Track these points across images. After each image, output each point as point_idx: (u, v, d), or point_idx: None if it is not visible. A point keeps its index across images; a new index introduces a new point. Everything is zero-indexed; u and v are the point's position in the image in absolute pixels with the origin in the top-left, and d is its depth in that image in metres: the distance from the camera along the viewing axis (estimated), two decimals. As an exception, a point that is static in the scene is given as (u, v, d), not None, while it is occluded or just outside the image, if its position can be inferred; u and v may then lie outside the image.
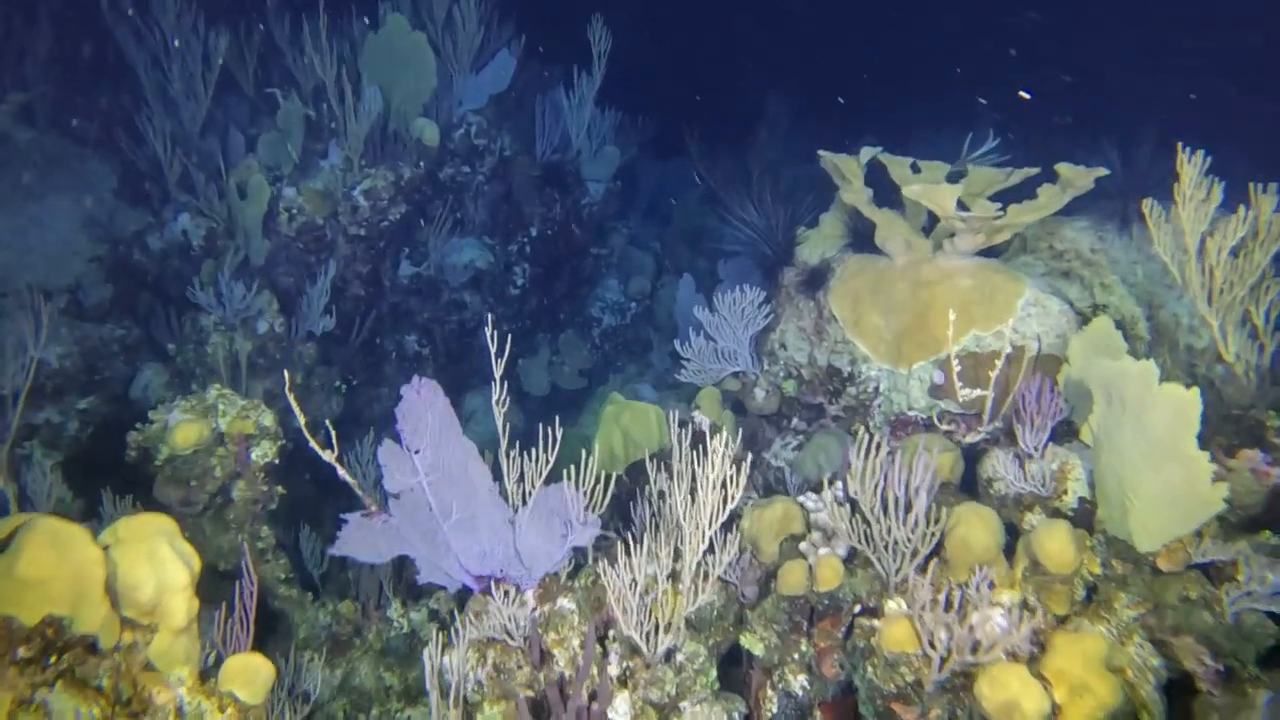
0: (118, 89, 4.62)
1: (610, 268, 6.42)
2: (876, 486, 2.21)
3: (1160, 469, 1.99)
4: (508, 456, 2.35)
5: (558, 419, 2.39)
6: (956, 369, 2.75)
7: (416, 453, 2.23)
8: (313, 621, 3.15)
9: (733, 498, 2.34)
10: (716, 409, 3.12)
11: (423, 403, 2.20)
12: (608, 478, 2.47)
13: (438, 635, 2.23)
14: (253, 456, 2.82)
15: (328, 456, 2.24)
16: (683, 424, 3.06)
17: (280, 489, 3.01)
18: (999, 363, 2.67)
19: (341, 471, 2.28)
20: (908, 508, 2.25)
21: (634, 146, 5.87)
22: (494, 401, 2.35)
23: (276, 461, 2.91)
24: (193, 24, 4.14)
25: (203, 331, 4.10)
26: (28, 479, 2.51)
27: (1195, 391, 1.93)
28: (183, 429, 2.63)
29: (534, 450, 2.35)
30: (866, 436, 2.28)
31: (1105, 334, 2.36)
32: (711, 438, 2.97)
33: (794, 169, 7.15)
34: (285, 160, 4.46)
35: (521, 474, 2.36)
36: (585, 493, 2.43)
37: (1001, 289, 2.85)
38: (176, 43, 4.09)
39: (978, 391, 2.77)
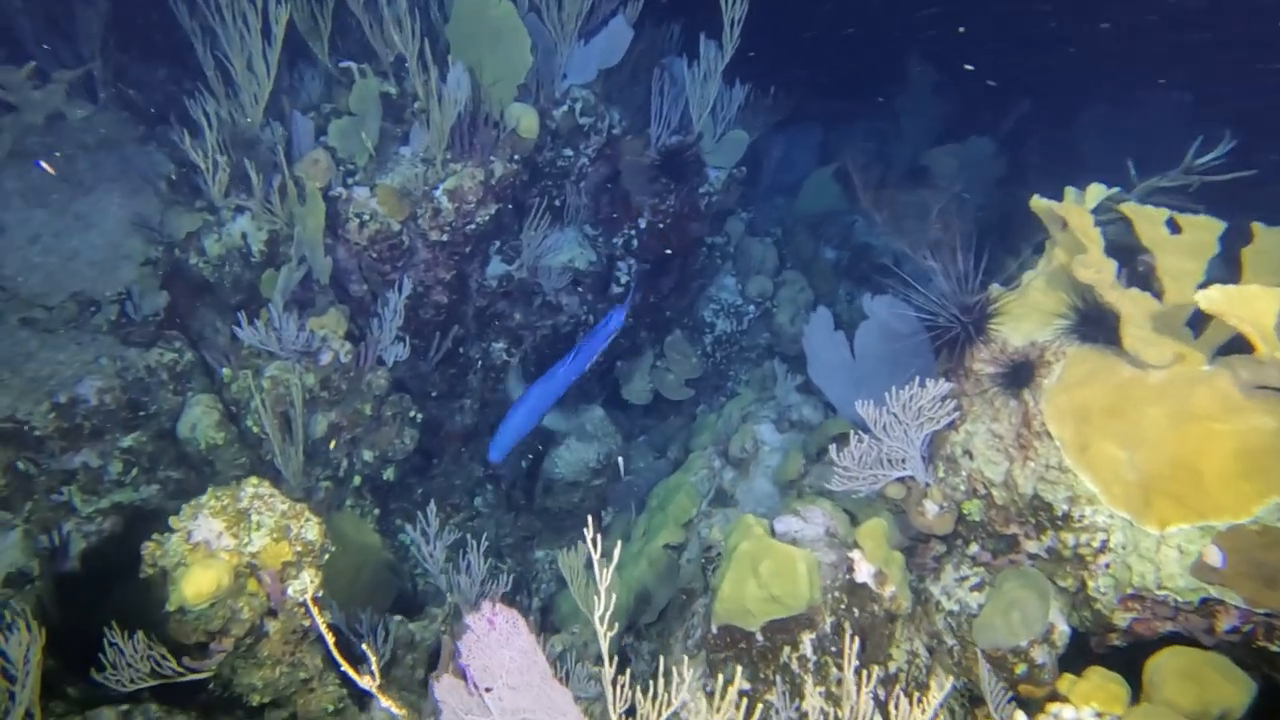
0: (176, 62, 4.03)
1: (726, 259, 5.61)
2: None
3: None
4: (614, 685, 1.69)
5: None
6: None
7: (488, 690, 1.59)
8: (368, 751, 2.62)
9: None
10: (883, 549, 2.37)
11: (498, 638, 1.54)
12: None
13: None
14: (290, 592, 2.24)
15: (365, 683, 1.62)
16: (837, 561, 2.36)
17: (326, 616, 2.43)
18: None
19: (386, 702, 1.66)
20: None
21: (762, 128, 4.99)
22: (596, 619, 1.68)
23: (321, 593, 2.33)
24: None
25: (260, 356, 3.55)
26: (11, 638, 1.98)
27: None
28: (194, 578, 2.05)
29: (652, 683, 1.67)
30: None
31: None
32: (878, 589, 2.25)
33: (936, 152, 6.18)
34: (359, 150, 3.80)
35: (632, 708, 1.70)
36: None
37: (1323, 441, 1.98)
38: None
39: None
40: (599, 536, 1.65)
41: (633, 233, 4.84)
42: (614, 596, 1.83)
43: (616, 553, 1.68)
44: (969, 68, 6.59)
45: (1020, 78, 7.29)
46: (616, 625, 2.01)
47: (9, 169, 3.65)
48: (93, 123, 3.90)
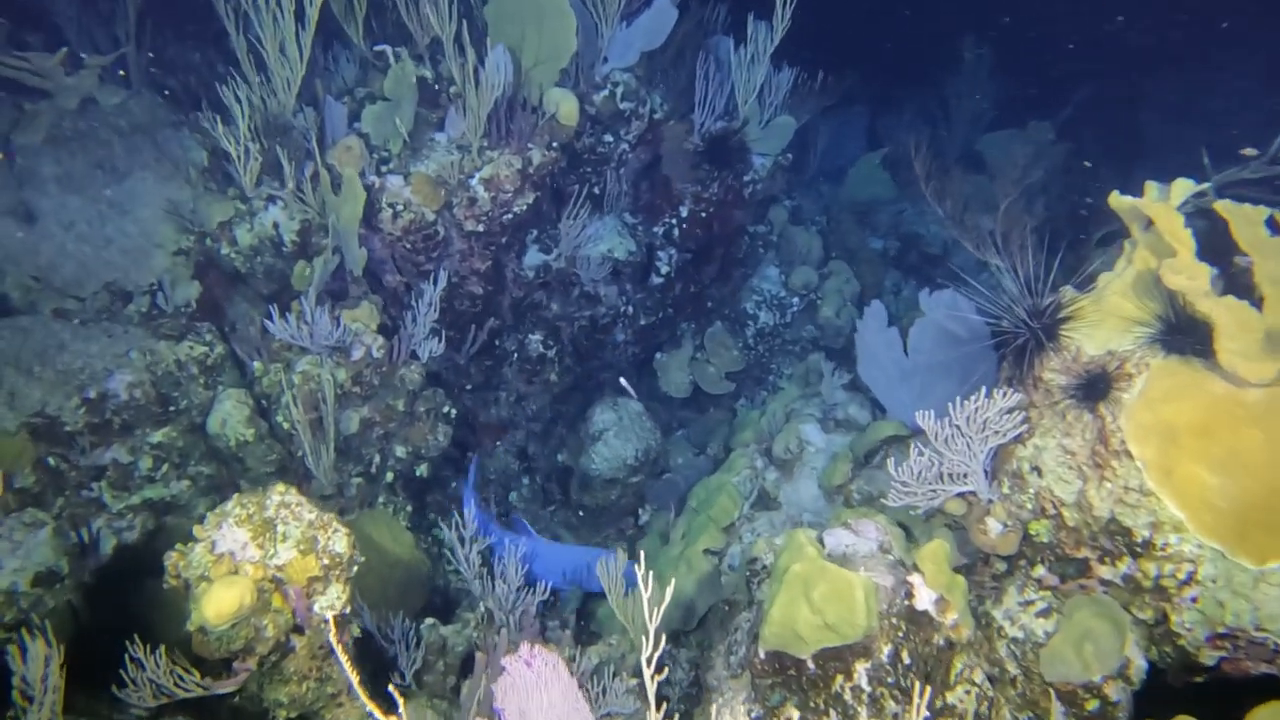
0: (211, 46, 3.94)
1: (769, 248, 5.43)
2: None
3: None
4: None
5: None
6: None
7: (521, 735, 1.47)
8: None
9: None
10: (946, 574, 2.21)
11: (535, 680, 1.42)
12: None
13: None
14: (317, 609, 2.13)
15: (391, 724, 1.50)
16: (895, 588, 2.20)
17: (355, 629, 2.34)
18: None
19: (410, 745, 1.54)
20: None
21: (810, 113, 4.77)
22: (644, 666, 1.54)
23: (349, 609, 2.22)
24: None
25: (292, 350, 3.46)
26: (28, 655, 1.91)
27: None
28: (216, 597, 1.95)
29: None
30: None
31: None
32: (939, 616, 2.09)
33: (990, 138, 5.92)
34: (393, 136, 3.68)
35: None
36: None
37: None
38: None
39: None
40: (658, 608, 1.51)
41: (673, 221, 4.68)
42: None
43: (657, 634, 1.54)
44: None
45: (1081, 62, 6.95)
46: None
47: (45, 155, 3.59)
48: (126, 108, 3.82)
